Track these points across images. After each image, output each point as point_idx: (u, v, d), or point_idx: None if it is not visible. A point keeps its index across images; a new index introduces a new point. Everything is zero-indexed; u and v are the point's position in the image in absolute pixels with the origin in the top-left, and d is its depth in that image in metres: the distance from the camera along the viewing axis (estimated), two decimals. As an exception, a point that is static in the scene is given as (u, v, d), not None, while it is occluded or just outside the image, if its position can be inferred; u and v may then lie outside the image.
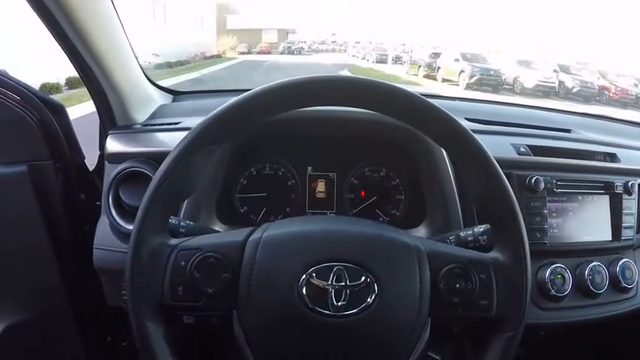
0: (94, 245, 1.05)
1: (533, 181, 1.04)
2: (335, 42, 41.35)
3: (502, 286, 0.68)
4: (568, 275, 1.04)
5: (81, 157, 1.19)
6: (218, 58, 24.22)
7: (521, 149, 1.12)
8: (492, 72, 15.32)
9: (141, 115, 1.22)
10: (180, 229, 0.79)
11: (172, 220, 0.78)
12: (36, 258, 1.10)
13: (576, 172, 1.12)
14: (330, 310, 0.63)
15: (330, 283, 0.63)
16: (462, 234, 0.80)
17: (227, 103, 0.68)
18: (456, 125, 0.68)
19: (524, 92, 14.40)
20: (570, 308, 1.06)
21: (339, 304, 0.63)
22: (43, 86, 7.36)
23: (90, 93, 1.11)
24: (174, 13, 20.47)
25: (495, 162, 0.68)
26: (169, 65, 16.21)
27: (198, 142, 0.68)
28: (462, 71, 15.35)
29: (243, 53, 28.45)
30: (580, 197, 1.11)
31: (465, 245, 0.78)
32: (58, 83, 7.66)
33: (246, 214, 1.14)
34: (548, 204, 1.06)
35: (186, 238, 0.71)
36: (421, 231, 1.06)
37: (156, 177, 0.67)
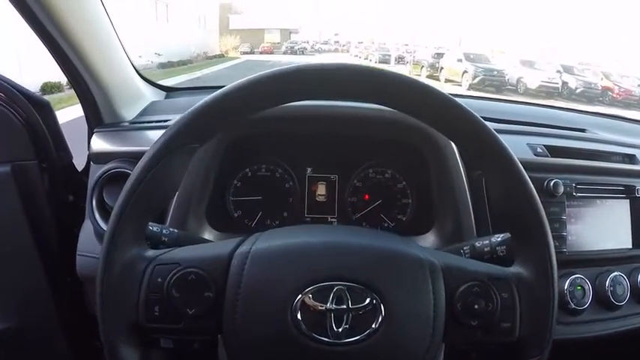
0: (77, 251, 0.99)
1: (552, 184, 0.96)
2: (338, 42, 41.39)
3: (526, 305, 0.60)
4: (588, 286, 0.97)
5: (69, 156, 1.13)
6: (220, 57, 24.19)
7: (538, 150, 1.04)
8: (495, 72, 15.29)
9: (130, 112, 1.14)
10: (163, 238, 0.71)
11: (154, 228, 0.70)
12: (21, 262, 1.04)
13: (596, 175, 1.05)
14: (329, 337, 0.55)
15: (329, 305, 0.55)
16: (477, 244, 0.72)
17: (211, 95, 0.59)
18: (478, 123, 0.60)
19: (528, 93, 14.35)
20: (589, 322, 0.99)
21: (340, 329, 0.55)
22: (45, 85, 7.35)
23: (73, 88, 1.05)
24: (176, 12, 20.47)
25: (520, 164, 0.60)
26: (172, 65, 16.21)
27: (177, 140, 0.59)
28: (465, 71, 15.29)
29: (245, 53, 28.43)
30: (599, 202, 1.04)
31: (480, 257, 0.70)
32: (59, 82, 7.62)
33: (240, 219, 1.07)
34: (566, 209, 0.99)
35: (165, 250, 0.62)
36: (429, 239, 0.99)
37: (129, 180, 0.58)
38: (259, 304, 0.56)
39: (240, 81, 0.59)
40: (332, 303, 0.55)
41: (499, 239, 0.71)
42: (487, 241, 0.72)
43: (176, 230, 0.73)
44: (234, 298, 0.57)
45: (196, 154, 0.85)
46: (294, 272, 0.57)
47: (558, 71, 15.05)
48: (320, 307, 0.55)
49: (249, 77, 0.59)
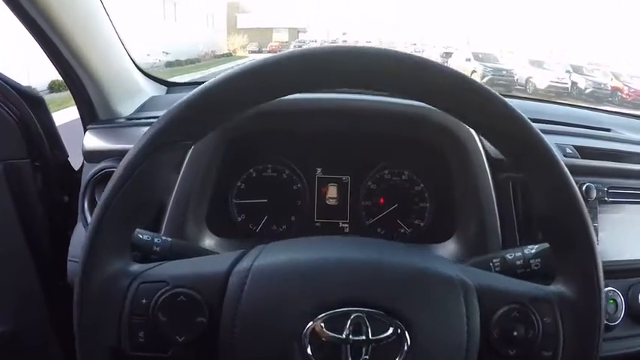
0: (68, 257, 0.92)
1: (584, 188, 0.89)
2: (346, 41, 41.38)
3: (569, 330, 0.51)
4: (620, 300, 0.89)
5: (64, 155, 1.07)
6: (228, 56, 24.18)
7: (568, 150, 0.96)
8: (504, 72, 15.24)
9: (126, 108, 1.07)
10: (154, 248, 0.62)
11: (144, 236, 0.62)
12: (14, 263, 0.98)
13: (628, 178, 0.97)
14: None
15: (345, 335, 0.47)
16: (508, 256, 0.63)
17: (200, 86, 0.51)
18: (522, 120, 0.51)
19: (537, 93, 14.21)
20: (621, 338, 0.90)
21: None
22: (53, 83, 7.34)
23: (65, 82, 0.99)
24: (184, 11, 20.50)
25: (565, 166, 0.52)
26: (179, 63, 16.22)
27: (164, 136, 0.51)
28: (473, 71, 15.19)
29: (253, 52, 28.46)
30: (631, 207, 0.96)
31: (512, 272, 0.62)
32: (67, 80, 7.59)
33: (243, 224, 0.99)
34: (598, 215, 0.92)
35: (152, 264, 0.54)
36: (450, 247, 0.91)
37: (112, 180, 0.50)
38: (261, 332, 0.48)
39: (233, 70, 0.51)
40: (348, 333, 0.47)
41: (533, 251, 0.63)
42: (519, 253, 0.63)
43: (169, 239, 0.65)
44: (232, 324, 0.48)
45: (194, 152, 0.77)
46: (303, 295, 0.49)
47: (567, 71, 14.95)
48: (334, 338, 0.47)
49: (244, 65, 0.50)
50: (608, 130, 1.20)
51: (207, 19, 25.06)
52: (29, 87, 1.01)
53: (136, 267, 0.53)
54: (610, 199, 0.93)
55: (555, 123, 1.13)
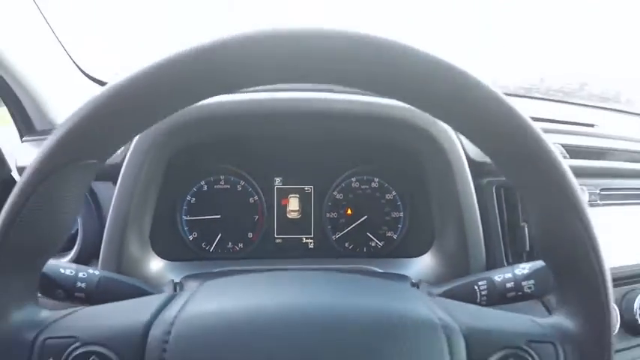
0: None
1: None
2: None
3: None
4: (614, 310, 0.81)
5: (6, 170, 0.95)
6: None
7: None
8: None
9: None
10: (79, 284, 0.52)
11: (66, 270, 0.52)
12: None
13: (618, 178, 0.89)
14: None
15: None
16: (497, 278, 0.54)
17: (106, 87, 0.38)
18: (522, 119, 0.40)
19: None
20: (616, 352, 0.82)
21: None
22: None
23: None
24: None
25: (571, 173, 0.40)
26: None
27: (58, 157, 0.39)
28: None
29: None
30: (625, 210, 0.88)
31: (501, 296, 0.54)
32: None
33: (195, 243, 0.89)
34: (591, 220, 0.81)
35: (64, 312, 0.43)
36: (426, 261, 0.82)
37: (3, 212, 0.39)
38: None
39: (144, 66, 0.38)
40: None
41: (525, 271, 0.54)
42: (509, 274, 0.54)
43: (97, 272, 0.54)
44: None
45: (129, 164, 0.68)
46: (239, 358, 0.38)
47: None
48: None
49: (160, 59, 0.37)
50: (591, 125, 1.12)
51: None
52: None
53: (44, 314, 0.42)
54: (602, 202, 0.85)
55: (542, 120, 1.04)
